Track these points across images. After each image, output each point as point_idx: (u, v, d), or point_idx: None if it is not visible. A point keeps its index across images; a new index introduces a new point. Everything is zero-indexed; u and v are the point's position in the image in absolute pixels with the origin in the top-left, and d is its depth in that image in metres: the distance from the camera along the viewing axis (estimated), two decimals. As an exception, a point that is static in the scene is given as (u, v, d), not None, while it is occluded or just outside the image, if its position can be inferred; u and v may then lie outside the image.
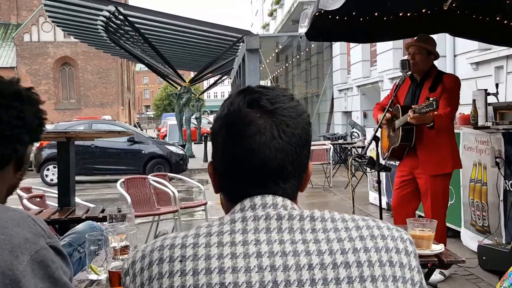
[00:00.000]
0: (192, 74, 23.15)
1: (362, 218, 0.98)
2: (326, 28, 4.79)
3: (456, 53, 8.57)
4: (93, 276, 2.01)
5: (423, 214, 4.37)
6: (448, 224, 4.67)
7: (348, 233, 0.94)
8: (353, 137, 13.77)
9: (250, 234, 0.91)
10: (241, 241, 0.90)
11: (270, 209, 0.95)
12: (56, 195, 4.33)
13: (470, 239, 4.94)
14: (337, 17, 4.52)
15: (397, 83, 4.23)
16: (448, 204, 4.34)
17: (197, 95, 24.61)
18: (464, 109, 5.62)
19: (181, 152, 13.94)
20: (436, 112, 3.72)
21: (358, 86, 14.69)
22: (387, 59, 11.88)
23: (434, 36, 4.36)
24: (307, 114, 1.03)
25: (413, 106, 3.91)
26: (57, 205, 4.25)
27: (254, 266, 0.87)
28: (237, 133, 0.97)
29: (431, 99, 3.68)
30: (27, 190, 4.84)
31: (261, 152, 0.95)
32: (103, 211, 3.89)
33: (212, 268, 0.87)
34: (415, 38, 4.27)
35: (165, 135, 26.08)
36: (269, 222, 0.93)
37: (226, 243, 0.90)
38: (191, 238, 0.92)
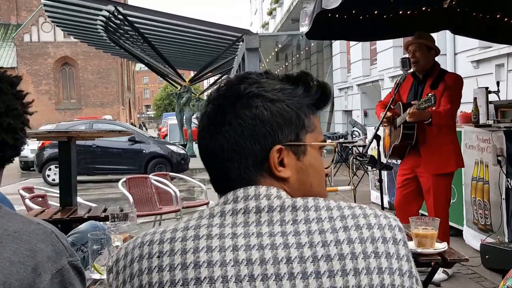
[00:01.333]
0: (192, 74, 23.15)
1: (348, 206, 0.93)
2: (325, 27, 4.77)
3: (457, 51, 8.56)
4: (96, 276, 2.02)
5: (426, 213, 4.36)
6: (450, 223, 4.65)
7: (331, 224, 0.89)
8: (353, 136, 13.75)
9: (228, 228, 0.89)
10: (217, 234, 0.88)
11: (252, 201, 0.92)
12: (58, 195, 4.33)
13: (473, 238, 4.93)
14: (337, 16, 4.52)
15: (397, 82, 4.22)
16: (451, 203, 4.33)
17: (197, 94, 24.62)
18: (465, 107, 5.61)
19: (182, 151, 13.95)
20: (434, 108, 3.71)
21: (359, 85, 14.67)
22: (387, 57, 11.87)
23: (435, 34, 4.36)
24: (260, 109, 0.95)
25: (412, 102, 3.90)
26: (59, 205, 4.25)
27: (230, 260, 0.85)
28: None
29: (429, 94, 3.68)
30: (29, 190, 4.85)
31: (200, 144, 1.00)
32: (105, 210, 3.89)
33: (188, 262, 0.86)
34: (413, 36, 4.25)
35: (166, 135, 26.09)
36: (248, 216, 0.91)
37: (202, 236, 0.88)
38: (168, 233, 0.91)
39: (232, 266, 0.85)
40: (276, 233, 0.88)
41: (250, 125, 0.94)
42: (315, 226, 0.89)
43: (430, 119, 3.85)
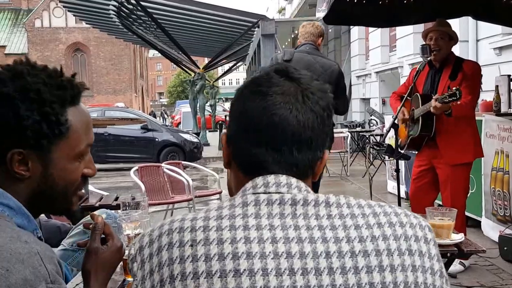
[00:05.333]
0: (206, 60, 23.09)
1: (378, 204, 0.95)
2: (345, 12, 4.69)
3: (479, 38, 8.42)
4: None
5: (441, 203, 4.29)
6: (468, 214, 4.60)
7: (365, 220, 0.90)
8: (371, 124, 13.65)
9: (264, 219, 0.87)
10: (254, 225, 0.86)
11: (284, 188, 0.91)
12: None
13: (491, 229, 4.86)
14: (355, 0, 4.42)
15: (417, 69, 4.12)
16: (469, 193, 4.27)
17: (212, 82, 24.56)
18: (486, 96, 5.52)
19: (196, 140, 13.91)
20: (459, 102, 3.62)
21: (377, 72, 14.49)
22: (407, 44, 11.67)
23: (456, 20, 4.25)
24: (332, 96, 1.00)
25: (434, 97, 3.80)
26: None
27: (270, 252, 0.84)
28: (259, 92, 0.95)
29: (454, 88, 3.60)
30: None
31: (281, 112, 0.92)
32: (116, 199, 3.87)
33: (226, 253, 0.83)
34: (434, 23, 4.15)
35: (179, 123, 26.12)
36: (283, 207, 0.89)
37: (238, 227, 0.86)
38: (200, 221, 0.87)
39: (272, 258, 0.83)
40: (313, 226, 0.88)
41: (330, 117, 1.03)
42: (350, 221, 0.90)
43: (450, 110, 3.78)
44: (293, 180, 0.93)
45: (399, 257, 0.87)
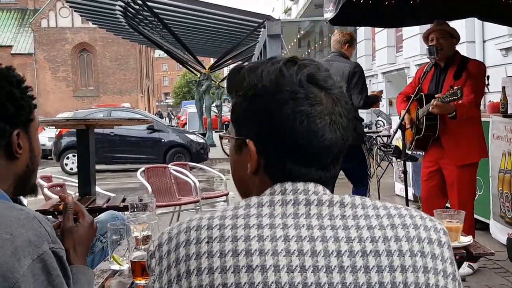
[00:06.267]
0: (212, 61, 23.08)
1: (394, 206, 0.96)
2: (350, 13, 4.67)
3: (485, 39, 8.37)
4: (115, 266, 1.98)
5: (449, 205, 4.27)
6: (476, 216, 4.56)
7: (379, 221, 0.92)
8: (378, 125, 13.59)
9: (278, 219, 0.90)
10: (268, 224, 0.89)
11: (301, 195, 0.93)
12: (76, 184, 4.30)
13: (499, 232, 4.81)
14: (362, 1, 4.41)
15: (424, 70, 4.11)
16: (477, 195, 4.24)
17: (217, 82, 24.53)
18: (493, 97, 5.48)
19: (202, 140, 13.88)
20: (460, 101, 3.60)
21: (383, 73, 14.46)
22: (414, 44, 11.63)
23: (462, 21, 4.24)
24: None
25: (436, 96, 3.78)
26: (77, 194, 4.22)
27: (282, 250, 0.86)
28: (302, 112, 0.93)
29: (455, 87, 3.57)
30: (48, 179, 4.84)
31: (331, 136, 0.95)
32: (124, 200, 3.87)
33: (239, 250, 0.86)
34: (433, 24, 4.15)
35: (185, 123, 26.10)
36: (297, 208, 0.92)
37: (252, 226, 0.89)
38: (217, 220, 0.90)
39: (284, 256, 0.86)
40: (326, 226, 0.90)
41: None
42: (363, 222, 0.91)
43: (454, 113, 3.75)
44: (310, 186, 0.95)
45: (410, 258, 0.88)
